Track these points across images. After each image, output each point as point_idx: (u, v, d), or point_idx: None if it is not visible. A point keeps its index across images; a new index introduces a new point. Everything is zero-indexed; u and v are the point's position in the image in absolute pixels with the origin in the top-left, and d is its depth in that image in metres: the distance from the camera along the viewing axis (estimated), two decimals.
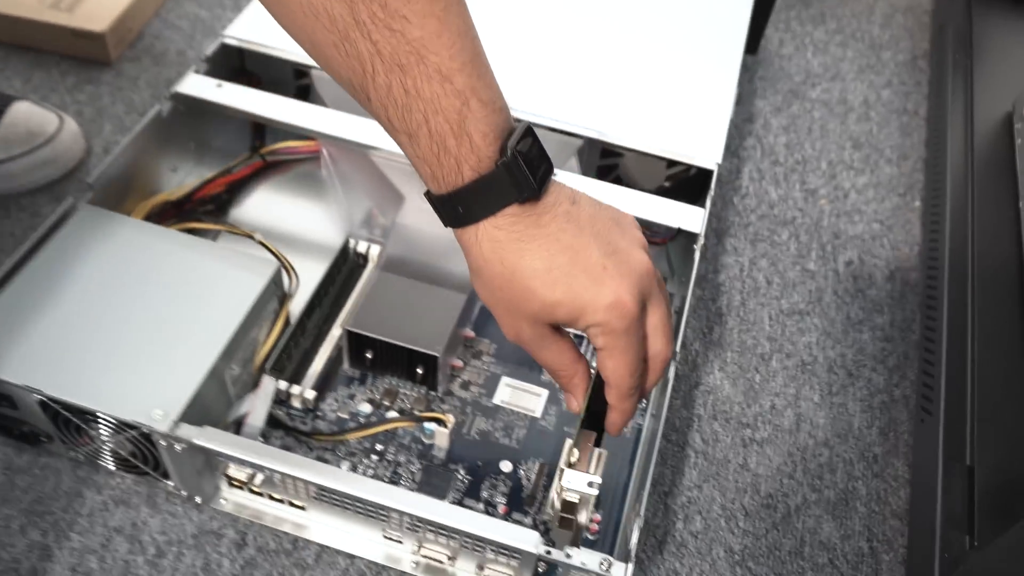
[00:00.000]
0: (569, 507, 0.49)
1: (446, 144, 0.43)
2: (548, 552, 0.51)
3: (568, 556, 0.50)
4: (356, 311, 0.63)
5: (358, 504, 0.54)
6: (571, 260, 0.45)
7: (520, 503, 0.60)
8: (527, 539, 0.51)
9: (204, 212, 0.74)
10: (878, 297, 0.77)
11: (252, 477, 0.56)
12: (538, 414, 0.65)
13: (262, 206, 0.77)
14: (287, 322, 0.64)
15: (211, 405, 0.58)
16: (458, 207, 0.45)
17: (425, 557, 0.57)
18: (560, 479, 0.48)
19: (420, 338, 0.62)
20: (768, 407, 0.69)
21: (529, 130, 0.45)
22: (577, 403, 0.52)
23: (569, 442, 0.51)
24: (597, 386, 0.51)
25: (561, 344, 0.49)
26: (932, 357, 0.66)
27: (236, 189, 0.78)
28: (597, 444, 0.51)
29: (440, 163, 0.43)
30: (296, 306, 0.66)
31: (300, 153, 0.80)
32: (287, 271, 0.67)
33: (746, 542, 0.61)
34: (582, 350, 0.55)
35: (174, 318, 0.58)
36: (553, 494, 0.50)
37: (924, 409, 0.64)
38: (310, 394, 0.62)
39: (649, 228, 0.75)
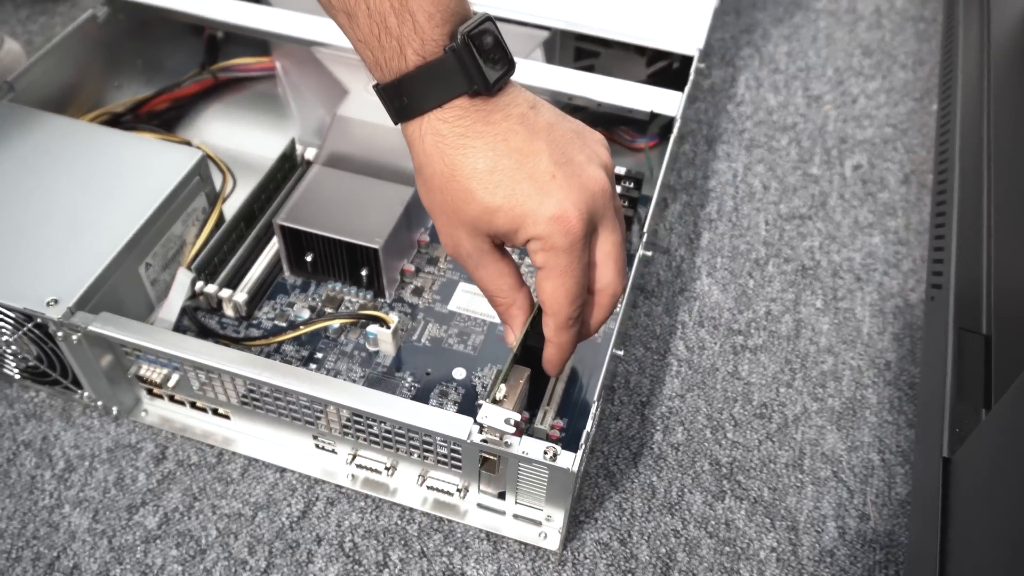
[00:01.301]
0: (492, 451, 0.43)
1: (387, 23, 0.39)
2: (484, 441, 0.43)
3: (507, 445, 0.43)
4: (290, 206, 0.57)
5: (283, 403, 0.48)
6: (517, 164, 0.40)
7: (473, 412, 0.53)
8: (460, 425, 0.44)
9: (146, 127, 0.69)
10: (890, 200, 0.69)
11: (166, 379, 0.50)
12: (497, 319, 0.58)
13: (211, 123, 0.71)
14: (219, 224, 0.58)
15: (124, 302, 0.52)
16: (402, 97, 0.40)
17: (361, 468, 0.50)
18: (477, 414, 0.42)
19: (360, 232, 0.55)
20: (763, 313, 0.61)
21: (487, 19, 0.40)
22: (514, 335, 0.46)
23: (500, 376, 0.45)
24: (536, 320, 0.45)
25: (501, 265, 0.44)
26: (943, 231, 0.58)
27: (184, 107, 0.72)
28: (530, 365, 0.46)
29: (381, 46, 0.39)
30: (234, 211, 0.60)
31: (253, 70, 0.74)
32: (223, 171, 0.61)
33: (735, 454, 0.53)
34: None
35: (82, 208, 0.53)
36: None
37: (934, 286, 0.55)
38: (240, 297, 0.56)
39: (628, 130, 0.68)
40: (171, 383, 0.50)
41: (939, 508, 0.42)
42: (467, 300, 0.59)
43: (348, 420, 0.47)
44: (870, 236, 0.66)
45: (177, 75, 0.73)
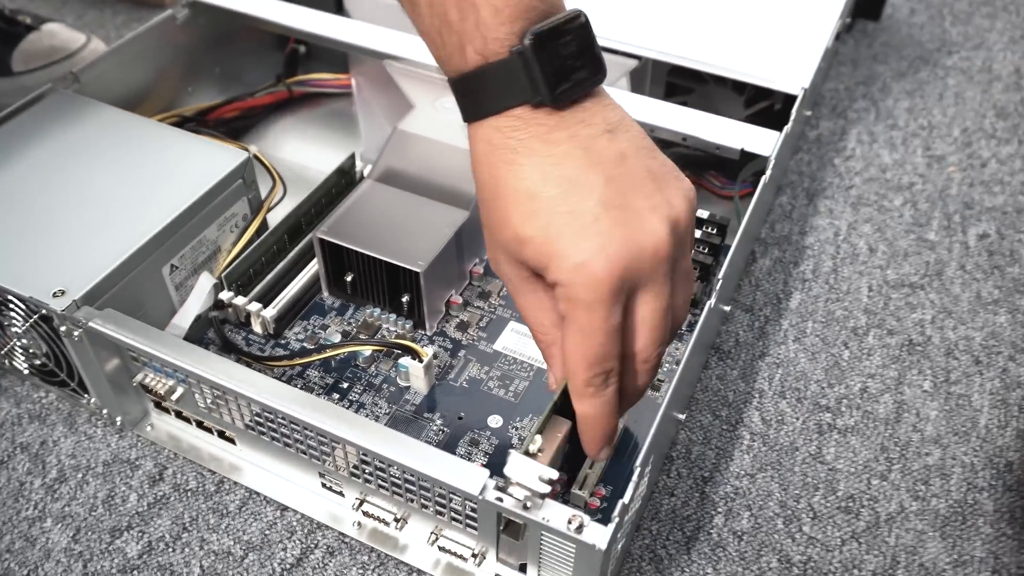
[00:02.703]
0: (507, 512, 0.37)
1: (447, 17, 0.35)
2: (500, 499, 0.36)
3: (526, 508, 0.36)
4: (333, 219, 0.53)
5: (287, 432, 0.42)
6: (562, 195, 0.35)
7: (501, 466, 0.46)
8: (473, 478, 0.37)
9: (208, 132, 0.67)
10: (1021, 276, 0.59)
11: (171, 391, 0.45)
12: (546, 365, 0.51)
13: (278, 136, 0.69)
14: (260, 234, 0.54)
15: (143, 304, 0.48)
16: (465, 96, 0.37)
17: (368, 516, 0.43)
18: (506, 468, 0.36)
19: (403, 253, 0.50)
20: (858, 389, 0.52)
21: (574, 18, 0.35)
22: (555, 378, 0.40)
23: (535, 425, 0.38)
24: None
25: (543, 296, 0.38)
26: None
27: (254, 118, 0.70)
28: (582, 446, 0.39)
29: (443, 40, 0.36)
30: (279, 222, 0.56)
31: (329, 86, 0.71)
32: (274, 178, 0.57)
33: (811, 553, 0.44)
34: None
35: (112, 201, 0.49)
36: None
37: None
38: (270, 313, 0.51)
39: (718, 175, 0.62)
40: (175, 396, 0.45)
41: None
42: (516, 341, 0.53)
43: (358, 460, 0.41)
44: (994, 314, 0.56)
45: (254, 87, 0.71)
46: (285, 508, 0.46)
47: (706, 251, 0.54)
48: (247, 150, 0.58)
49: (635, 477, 0.37)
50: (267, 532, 0.45)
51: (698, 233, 0.54)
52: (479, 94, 0.36)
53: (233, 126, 0.69)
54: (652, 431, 0.39)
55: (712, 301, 0.45)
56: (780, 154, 0.55)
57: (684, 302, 0.39)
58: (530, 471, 0.36)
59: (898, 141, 0.70)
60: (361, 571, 0.43)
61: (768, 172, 0.52)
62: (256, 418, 0.43)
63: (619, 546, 0.40)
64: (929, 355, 0.54)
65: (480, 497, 0.37)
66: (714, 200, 0.62)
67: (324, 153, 0.66)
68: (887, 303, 0.57)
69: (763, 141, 0.54)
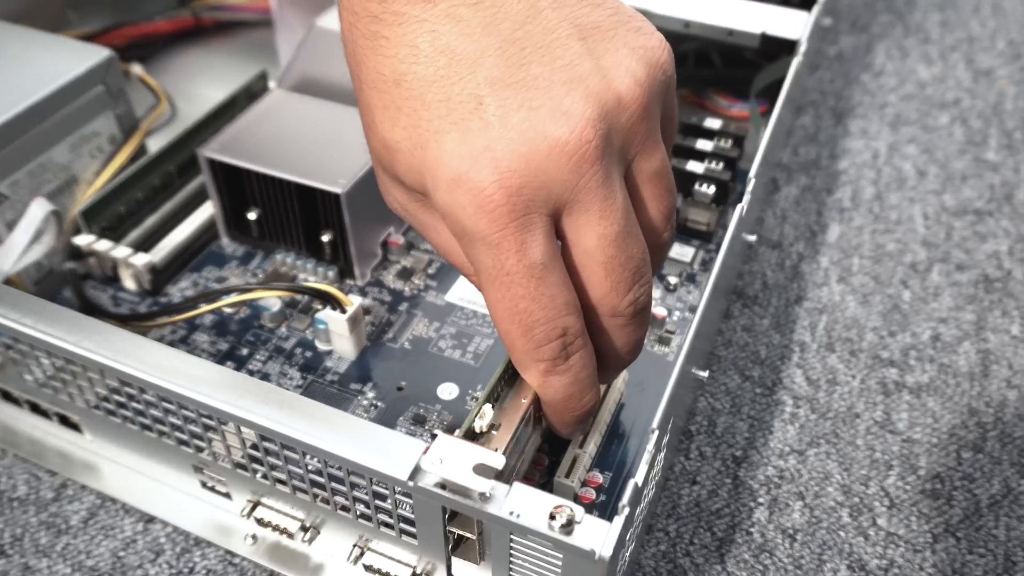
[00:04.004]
0: (456, 505, 0.24)
1: None
2: (443, 487, 0.23)
3: (483, 498, 0.23)
4: (226, 134, 0.40)
5: (141, 407, 0.29)
6: (437, 75, 0.24)
7: None
8: (400, 454, 0.24)
9: None
10: None
11: None
12: None
13: (180, 71, 0.55)
14: (133, 161, 0.41)
15: None
16: None
17: (264, 525, 0.30)
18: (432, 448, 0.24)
19: (319, 171, 0.37)
20: (928, 338, 0.39)
21: None
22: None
23: (484, 391, 0.26)
24: None
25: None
26: None
27: (149, 48, 0.57)
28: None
29: None
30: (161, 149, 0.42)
31: (245, 10, 0.59)
32: (157, 95, 0.44)
33: (894, 555, 0.32)
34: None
35: None
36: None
37: None
38: (140, 260, 0.38)
39: (723, 92, 0.49)
40: None
41: None
42: (474, 291, 0.40)
43: (247, 444, 0.28)
44: None
45: (151, 13, 0.58)
46: (150, 519, 0.32)
47: (721, 167, 0.41)
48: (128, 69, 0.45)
49: (650, 446, 0.24)
50: (122, 553, 0.31)
51: (709, 146, 0.42)
52: None
53: (123, 57, 0.56)
54: (668, 391, 0.26)
55: (731, 231, 0.32)
56: (809, 45, 0.42)
57: (661, 212, 0.27)
58: (461, 459, 0.23)
59: (934, 55, 0.58)
60: None
61: (797, 61, 0.40)
62: (111, 394, 0.30)
63: (627, 553, 0.27)
64: (1012, 292, 0.42)
65: (412, 483, 0.23)
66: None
67: (233, 90, 0.53)
68: (950, 233, 0.45)
69: (790, 23, 0.42)
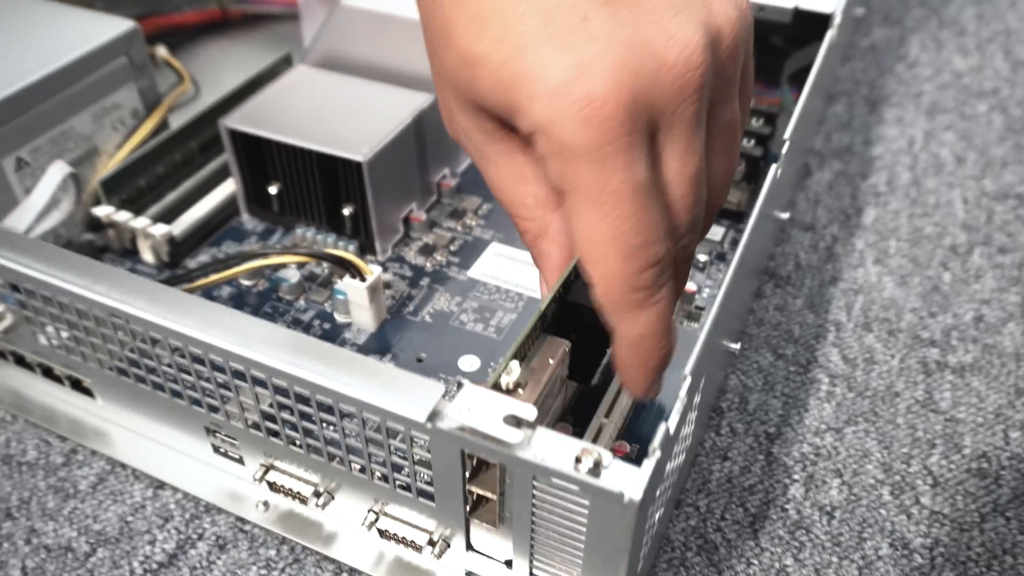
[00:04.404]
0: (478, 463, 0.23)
1: None
2: (462, 429, 0.22)
3: (505, 443, 0.22)
4: (248, 106, 0.39)
5: (153, 361, 0.28)
6: None
7: None
8: (416, 395, 0.23)
9: None
10: None
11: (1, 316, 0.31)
12: (539, 293, 0.37)
13: (207, 63, 0.55)
14: (155, 135, 0.41)
15: None
16: None
17: (277, 490, 0.29)
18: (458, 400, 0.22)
19: (341, 140, 0.37)
20: (970, 319, 0.38)
21: None
22: (547, 285, 0.28)
23: (511, 348, 0.25)
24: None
25: (520, 160, 0.26)
26: None
27: (177, 38, 0.57)
28: (578, 375, 0.28)
29: None
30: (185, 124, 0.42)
31: (273, 3, 0.59)
32: (181, 75, 0.44)
33: (939, 534, 0.30)
34: None
35: None
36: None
37: None
38: (159, 231, 0.38)
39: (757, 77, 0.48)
40: (3, 326, 0.31)
41: None
42: (500, 266, 0.39)
43: (261, 404, 0.27)
44: None
45: (179, 4, 0.58)
46: (160, 485, 0.31)
47: (752, 143, 0.40)
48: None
49: (682, 393, 0.23)
50: (130, 519, 0.30)
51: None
52: None
53: (149, 44, 0.56)
54: (703, 336, 0.25)
55: (758, 207, 0.31)
56: (843, 20, 0.41)
57: (725, 169, 0.26)
58: (491, 409, 0.22)
59: (971, 46, 0.57)
60: (264, 571, 0.29)
61: (832, 34, 0.39)
62: (124, 349, 0.29)
63: (657, 512, 0.25)
64: None
65: (431, 425, 0.22)
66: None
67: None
68: (991, 217, 0.43)
69: None
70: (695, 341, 0.24)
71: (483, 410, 0.22)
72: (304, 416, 0.26)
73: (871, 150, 0.48)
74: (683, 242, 0.25)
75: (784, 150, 0.32)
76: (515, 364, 0.26)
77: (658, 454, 0.21)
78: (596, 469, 0.21)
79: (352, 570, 0.29)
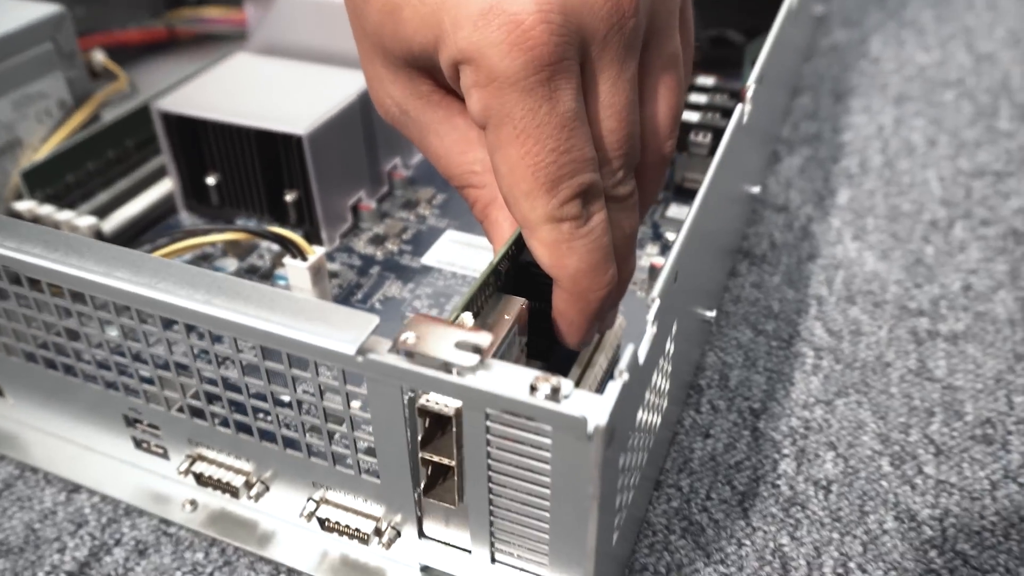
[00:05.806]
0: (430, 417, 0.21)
1: None
2: (408, 354, 0.19)
3: (456, 371, 0.19)
4: (182, 89, 0.37)
5: (64, 340, 0.25)
6: None
7: None
8: (352, 327, 0.20)
9: None
10: None
11: None
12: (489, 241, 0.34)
13: (152, 83, 0.53)
14: (85, 127, 0.38)
15: None
16: None
17: (205, 483, 0.26)
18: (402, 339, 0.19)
19: (280, 116, 0.34)
20: (958, 288, 0.36)
21: None
22: (496, 240, 0.26)
23: (462, 299, 0.22)
24: None
25: (460, 123, 0.24)
26: None
27: (121, 57, 0.55)
28: (537, 351, 0.26)
29: None
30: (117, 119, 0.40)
31: (220, 23, 0.57)
32: (116, 76, 0.42)
33: (948, 504, 0.27)
34: None
35: None
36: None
37: None
38: (85, 222, 0.35)
39: (712, 74, 0.47)
40: None
41: None
42: (455, 252, 0.36)
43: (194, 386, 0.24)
44: None
45: (123, 22, 0.56)
46: (75, 489, 0.28)
47: (718, 116, 0.38)
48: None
49: (650, 317, 0.20)
50: (37, 526, 0.26)
51: (696, 117, 0.39)
52: None
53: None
54: (677, 248, 0.22)
55: (732, 123, 0.29)
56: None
57: (670, 107, 0.24)
58: (441, 336, 0.19)
59: (932, 43, 0.56)
60: None
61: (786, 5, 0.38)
62: (35, 331, 0.26)
63: (633, 475, 0.22)
64: None
65: (362, 359, 0.19)
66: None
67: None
68: (969, 193, 0.41)
69: None
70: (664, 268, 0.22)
71: (432, 337, 0.19)
72: (230, 385, 0.23)
73: (840, 136, 0.46)
74: (616, 178, 0.22)
75: (750, 95, 0.30)
76: (467, 315, 0.23)
77: (626, 376, 0.18)
78: (555, 395, 0.18)
79: (291, 570, 0.25)
